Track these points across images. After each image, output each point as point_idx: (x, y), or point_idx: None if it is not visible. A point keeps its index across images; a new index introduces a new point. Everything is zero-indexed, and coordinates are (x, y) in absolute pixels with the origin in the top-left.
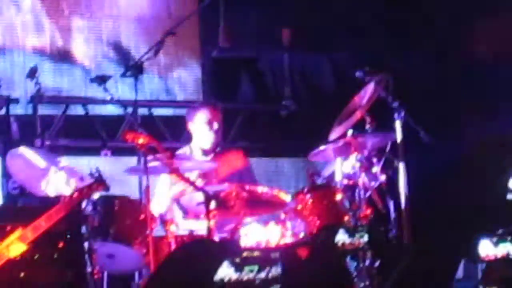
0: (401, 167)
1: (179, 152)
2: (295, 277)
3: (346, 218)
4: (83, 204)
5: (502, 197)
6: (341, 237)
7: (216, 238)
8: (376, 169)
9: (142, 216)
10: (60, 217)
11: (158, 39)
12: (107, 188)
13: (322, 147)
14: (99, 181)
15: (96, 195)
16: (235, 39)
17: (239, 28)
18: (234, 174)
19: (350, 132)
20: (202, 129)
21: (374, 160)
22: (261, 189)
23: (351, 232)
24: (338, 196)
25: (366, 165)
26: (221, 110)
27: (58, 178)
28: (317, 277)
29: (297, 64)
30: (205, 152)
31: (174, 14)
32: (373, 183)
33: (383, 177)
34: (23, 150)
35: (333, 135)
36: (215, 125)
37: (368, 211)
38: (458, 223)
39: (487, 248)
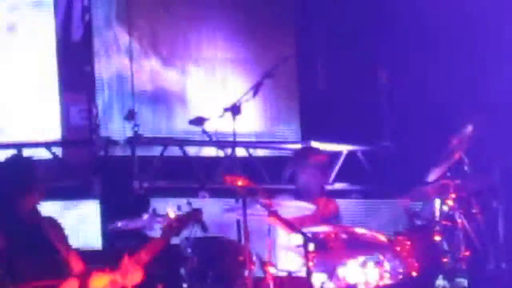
0: (501, 208)
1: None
2: None
3: (444, 260)
4: (182, 246)
5: None
6: (441, 283)
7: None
8: (475, 210)
9: (241, 257)
10: (160, 248)
11: (256, 81)
12: (206, 229)
13: (421, 188)
14: (196, 210)
15: (194, 234)
16: (333, 80)
17: (337, 68)
18: (328, 217)
19: (448, 173)
20: (314, 173)
21: (473, 201)
22: (360, 230)
23: (450, 277)
24: (437, 238)
25: (465, 206)
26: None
27: None
28: None
29: (396, 104)
30: (311, 195)
31: (272, 55)
32: (471, 225)
33: (482, 219)
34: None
35: (431, 176)
36: (327, 171)
37: (467, 253)
38: None
39: None
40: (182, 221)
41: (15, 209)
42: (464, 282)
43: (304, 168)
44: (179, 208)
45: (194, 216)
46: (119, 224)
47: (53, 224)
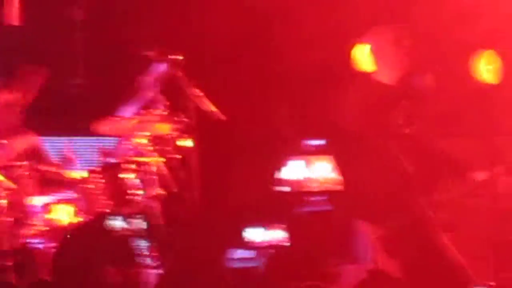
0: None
1: None
2: None
3: (137, 198)
4: None
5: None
6: (119, 224)
7: None
8: (169, 148)
9: None
10: None
11: None
12: None
13: (117, 125)
14: None
15: None
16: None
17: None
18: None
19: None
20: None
21: (168, 140)
22: (46, 167)
23: (128, 219)
24: (130, 176)
25: (160, 144)
26: None
27: None
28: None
29: (91, 43)
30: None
31: None
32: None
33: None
34: None
35: (124, 113)
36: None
37: (161, 192)
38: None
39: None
40: None
41: None
42: (143, 223)
43: None
44: None
45: None
46: None
47: None
